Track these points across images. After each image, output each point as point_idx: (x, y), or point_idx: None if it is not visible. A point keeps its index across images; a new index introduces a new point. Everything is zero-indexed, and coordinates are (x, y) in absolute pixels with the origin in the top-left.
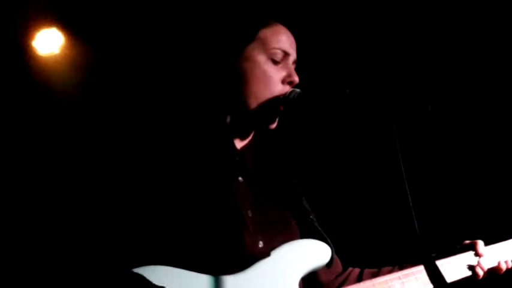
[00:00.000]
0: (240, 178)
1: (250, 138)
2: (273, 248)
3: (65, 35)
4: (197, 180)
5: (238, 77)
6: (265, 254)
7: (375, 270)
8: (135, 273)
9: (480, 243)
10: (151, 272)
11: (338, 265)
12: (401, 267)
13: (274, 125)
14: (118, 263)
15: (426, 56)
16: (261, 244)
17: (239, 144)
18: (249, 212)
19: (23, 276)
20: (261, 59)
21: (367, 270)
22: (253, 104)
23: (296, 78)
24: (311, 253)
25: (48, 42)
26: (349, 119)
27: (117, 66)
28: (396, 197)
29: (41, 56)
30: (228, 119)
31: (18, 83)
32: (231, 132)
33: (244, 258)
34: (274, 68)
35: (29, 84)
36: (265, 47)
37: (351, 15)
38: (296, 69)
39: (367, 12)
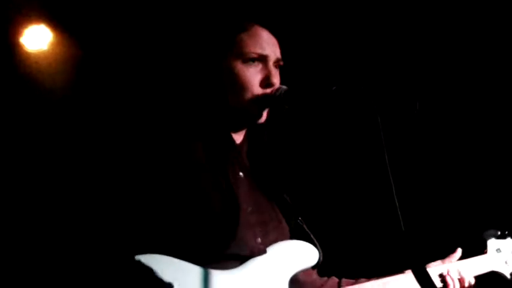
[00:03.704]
0: (240, 173)
1: (244, 134)
2: (268, 244)
3: (53, 32)
4: (198, 175)
5: (221, 85)
6: (262, 250)
7: (353, 280)
8: (138, 260)
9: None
10: (153, 260)
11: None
12: (379, 277)
13: (262, 120)
14: (119, 252)
15: (413, 54)
16: (259, 240)
17: (236, 140)
18: (249, 207)
19: (26, 267)
20: (239, 65)
21: (344, 280)
22: (239, 106)
23: (275, 80)
24: (302, 254)
25: (37, 39)
26: (335, 117)
27: (106, 63)
28: (382, 197)
29: (29, 53)
30: (223, 117)
31: (6, 79)
32: (228, 128)
33: (244, 252)
34: (252, 72)
35: (17, 80)
36: (242, 52)
37: (338, 13)
38: (283, 66)
39: (353, 10)
